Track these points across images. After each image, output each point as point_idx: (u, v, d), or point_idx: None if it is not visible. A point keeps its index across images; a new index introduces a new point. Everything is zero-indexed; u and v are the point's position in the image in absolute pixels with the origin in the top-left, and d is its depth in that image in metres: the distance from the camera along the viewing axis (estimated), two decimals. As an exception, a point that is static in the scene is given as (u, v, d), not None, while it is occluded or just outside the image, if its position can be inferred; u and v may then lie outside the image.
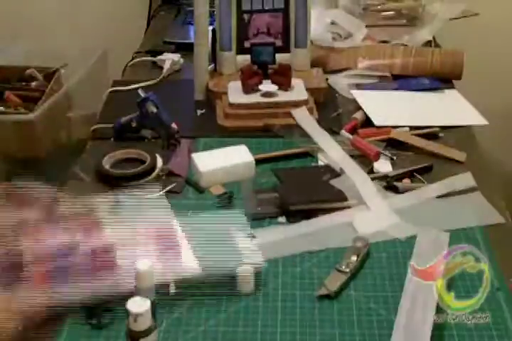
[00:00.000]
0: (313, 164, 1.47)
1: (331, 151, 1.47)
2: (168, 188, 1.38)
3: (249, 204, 1.33)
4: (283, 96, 1.62)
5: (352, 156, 1.45)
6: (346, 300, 1.12)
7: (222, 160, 1.41)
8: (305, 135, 1.54)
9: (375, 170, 1.43)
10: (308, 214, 1.30)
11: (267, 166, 1.45)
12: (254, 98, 1.62)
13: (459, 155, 1.48)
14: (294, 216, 1.30)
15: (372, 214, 1.31)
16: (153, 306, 0.99)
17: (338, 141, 1.51)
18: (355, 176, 1.38)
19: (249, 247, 1.18)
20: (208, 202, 1.35)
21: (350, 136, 1.53)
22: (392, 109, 1.68)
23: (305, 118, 1.58)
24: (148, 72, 1.90)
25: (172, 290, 1.10)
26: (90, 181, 1.42)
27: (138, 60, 1.98)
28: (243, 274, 1.11)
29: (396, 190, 1.37)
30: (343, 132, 1.55)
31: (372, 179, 1.39)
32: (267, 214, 1.31)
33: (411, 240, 1.23)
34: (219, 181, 1.39)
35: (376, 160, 1.44)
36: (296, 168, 1.46)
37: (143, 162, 1.46)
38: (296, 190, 1.36)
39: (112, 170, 1.44)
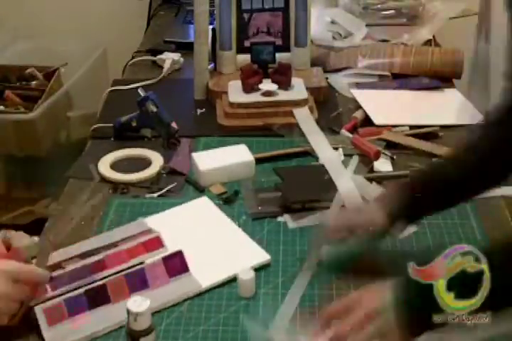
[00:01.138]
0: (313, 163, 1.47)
1: (321, 151, 1.47)
2: (168, 187, 1.38)
3: (250, 204, 1.33)
4: (283, 96, 1.62)
5: (352, 156, 1.45)
6: (346, 299, 1.11)
7: (222, 160, 1.41)
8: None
9: (375, 170, 1.43)
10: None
11: (267, 165, 1.44)
12: (254, 97, 1.62)
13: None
14: (295, 213, 1.30)
15: None
16: None
17: (338, 140, 1.51)
18: (337, 178, 1.36)
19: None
20: (208, 201, 1.34)
21: (350, 135, 1.53)
22: (392, 108, 1.68)
23: (305, 118, 1.58)
24: (149, 72, 1.90)
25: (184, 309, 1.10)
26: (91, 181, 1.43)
27: (138, 59, 1.98)
28: (244, 278, 1.11)
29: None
30: (343, 131, 1.55)
31: (373, 178, 1.39)
32: (268, 213, 1.31)
33: (411, 240, 1.23)
34: (219, 180, 1.39)
35: (376, 159, 1.43)
36: (297, 167, 1.46)
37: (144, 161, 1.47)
38: (298, 188, 1.35)
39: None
